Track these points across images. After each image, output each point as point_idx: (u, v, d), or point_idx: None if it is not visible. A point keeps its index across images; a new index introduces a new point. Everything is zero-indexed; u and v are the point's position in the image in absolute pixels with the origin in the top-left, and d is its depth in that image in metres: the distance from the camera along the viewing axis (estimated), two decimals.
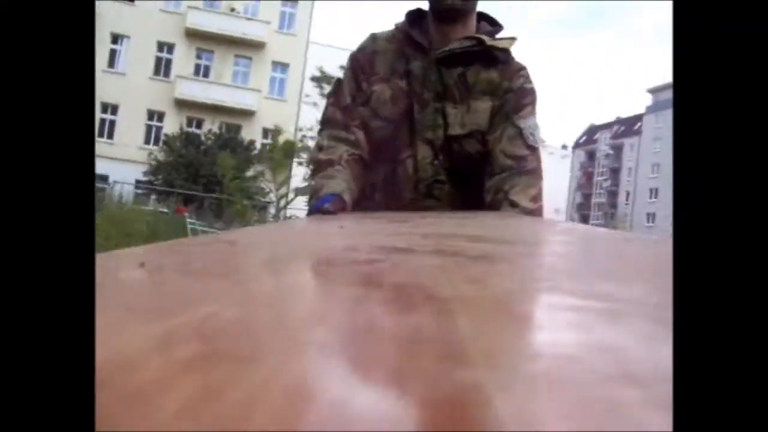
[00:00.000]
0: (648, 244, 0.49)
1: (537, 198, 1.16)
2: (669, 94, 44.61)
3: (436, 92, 1.21)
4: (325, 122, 1.29)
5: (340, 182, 1.16)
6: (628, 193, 47.85)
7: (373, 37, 1.30)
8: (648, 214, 44.64)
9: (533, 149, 1.19)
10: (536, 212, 1.15)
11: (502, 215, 1.08)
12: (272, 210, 16.19)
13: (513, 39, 1.25)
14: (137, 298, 0.23)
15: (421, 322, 0.19)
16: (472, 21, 1.24)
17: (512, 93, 1.21)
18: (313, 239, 0.58)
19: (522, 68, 1.24)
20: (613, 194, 49.54)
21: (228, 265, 0.35)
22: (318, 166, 1.23)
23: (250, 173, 16.43)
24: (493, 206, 1.17)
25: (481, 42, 1.20)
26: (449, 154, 1.21)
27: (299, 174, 18.72)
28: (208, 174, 14.59)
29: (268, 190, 16.83)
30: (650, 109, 46.41)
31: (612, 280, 0.30)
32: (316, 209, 1.09)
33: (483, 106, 1.20)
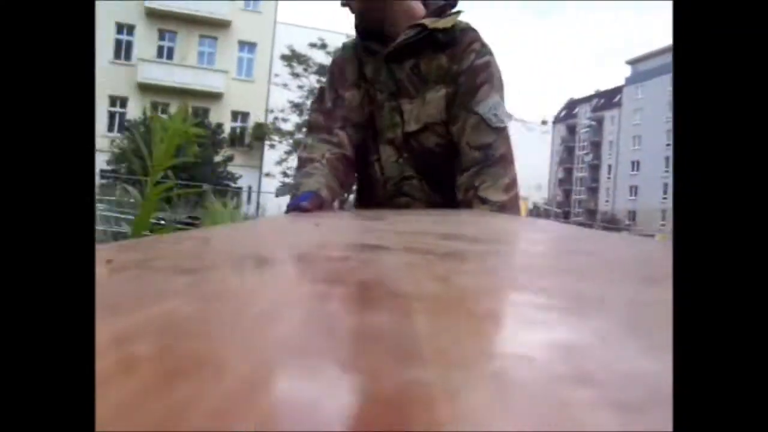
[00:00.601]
0: (625, 243, 0.50)
1: (510, 186, 1.15)
2: (648, 65, 45.11)
3: (389, 92, 1.23)
4: (310, 128, 1.33)
5: (318, 179, 1.17)
6: (610, 167, 48.46)
7: (343, 46, 1.35)
8: (631, 187, 45.32)
9: (499, 130, 1.15)
10: (510, 202, 1.14)
11: (478, 213, 1.08)
12: (245, 197, 16.05)
13: (456, 13, 1.22)
14: (99, 296, 0.23)
15: (379, 319, 0.20)
16: (416, 6, 1.23)
17: (464, 75, 1.16)
18: (286, 236, 0.59)
19: (472, 42, 1.18)
20: (595, 168, 50.14)
21: (194, 262, 0.35)
22: (299, 164, 1.25)
23: (218, 158, 16.25)
24: (464, 204, 1.16)
25: (424, 27, 1.18)
26: (410, 151, 1.22)
27: (271, 157, 18.57)
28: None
29: (239, 175, 16.68)
30: (630, 81, 46.89)
31: (580, 279, 0.30)
32: (292, 207, 1.10)
33: (436, 96, 1.18)
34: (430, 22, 1.18)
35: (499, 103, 1.17)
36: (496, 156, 1.15)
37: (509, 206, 1.14)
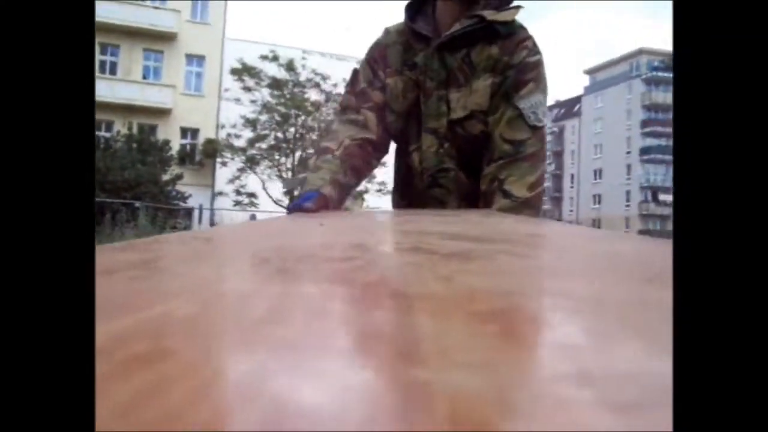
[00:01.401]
0: (634, 243, 0.51)
1: (535, 185, 1.17)
2: (606, 74, 46.44)
3: (439, 80, 1.24)
4: (339, 109, 1.36)
5: (324, 175, 1.17)
6: (572, 176, 49.46)
7: (387, 31, 1.35)
8: (594, 196, 46.33)
9: (535, 129, 1.18)
10: (533, 200, 1.16)
11: (488, 213, 1.09)
12: (196, 215, 15.80)
13: (517, 8, 1.24)
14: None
15: (381, 319, 0.20)
16: None
17: (513, 69, 1.19)
18: (290, 237, 0.59)
19: (525, 39, 1.21)
20: (558, 178, 51.11)
21: (195, 263, 0.35)
22: (316, 153, 1.29)
23: (166, 177, 15.97)
24: (487, 195, 1.19)
25: (482, 19, 1.20)
26: (454, 140, 1.24)
27: (223, 175, 18.35)
28: (120, 180, 14.09)
29: (188, 194, 16.42)
30: (588, 90, 48.14)
31: (585, 279, 0.31)
32: (295, 207, 1.10)
33: (483, 84, 1.20)
34: (489, 14, 1.20)
35: (541, 102, 1.20)
36: (527, 153, 1.17)
37: (531, 204, 1.16)
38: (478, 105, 1.21)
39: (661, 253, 0.41)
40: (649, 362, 0.16)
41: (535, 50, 1.21)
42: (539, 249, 0.53)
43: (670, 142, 42.38)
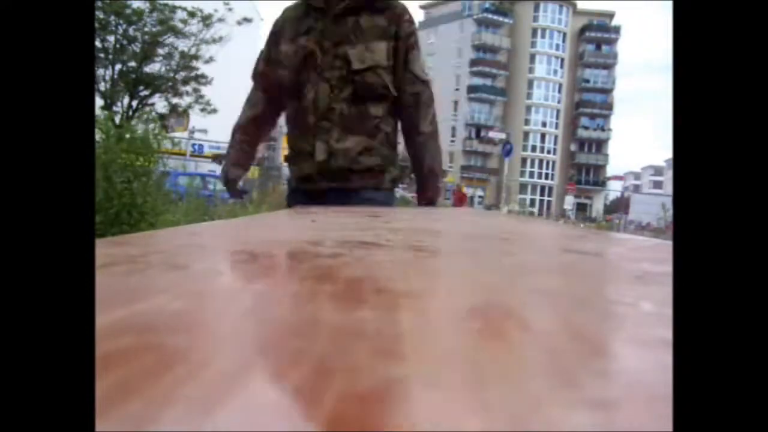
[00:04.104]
0: (630, 244, 0.54)
1: (433, 120, 1.78)
2: (439, 11, 47.70)
3: (335, 41, 1.69)
4: (252, 75, 1.93)
5: (235, 169, 1.93)
6: None
7: (284, 9, 1.85)
8: None
9: (426, 82, 1.76)
10: (435, 133, 1.78)
11: (475, 212, 1.16)
12: None
13: None
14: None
15: (363, 316, 0.20)
16: None
17: (401, 40, 1.71)
18: (281, 233, 0.59)
19: (405, 11, 1.73)
20: None
21: (184, 258, 0.35)
22: (234, 132, 1.93)
23: None
24: (406, 131, 1.79)
25: None
26: (346, 86, 1.69)
27: None
28: None
29: None
30: (422, 25, 49.12)
31: (566, 276, 0.33)
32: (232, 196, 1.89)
33: (380, 47, 1.70)
34: None
35: (425, 62, 1.82)
36: (423, 98, 1.76)
37: (435, 135, 1.79)
38: (376, 62, 1.69)
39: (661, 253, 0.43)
40: (637, 361, 0.17)
41: (413, 21, 1.77)
42: (530, 245, 0.55)
43: (497, 83, 45.06)
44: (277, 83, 1.80)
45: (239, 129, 1.89)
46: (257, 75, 1.90)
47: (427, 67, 1.78)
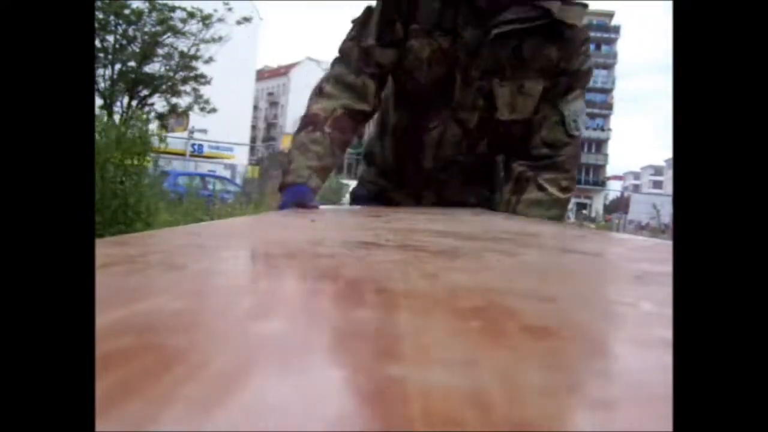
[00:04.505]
0: (630, 244, 0.55)
1: (568, 189, 1.20)
2: None
3: (484, 69, 1.12)
4: (339, 57, 1.17)
5: (311, 162, 1.08)
6: None
7: None
8: None
9: (573, 137, 1.18)
10: (564, 201, 1.20)
11: (475, 212, 1.12)
12: None
13: (584, 7, 1.15)
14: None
15: (363, 316, 0.20)
16: None
17: (567, 76, 1.16)
18: (280, 233, 0.59)
19: (583, 42, 1.18)
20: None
21: (184, 258, 0.34)
22: (304, 121, 1.13)
23: None
24: (520, 182, 1.19)
25: (547, 12, 1.08)
26: (483, 134, 1.18)
27: None
28: None
29: None
30: None
31: (566, 276, 0.33)
32: (288, 203, 1.05)
33: (536, 89, 1.14)
34: (557, 9, 1.09)
35: (583, 110, 1.20)
36: (563, 157, 1.19)
37: (562, 203, 1.20)
38: (528, 113, 1.16)
39: (658, 251, 0.44)
40: (639, 362, 0.17)
41: (589, 57, 1.19)
42: (530, 248, 0.55)
43: None
44: (382, 82, 1.17)
45: (324, 122, 1.10)
46: (363, 53, 1.14)
47: (582, 121, 1.20)
